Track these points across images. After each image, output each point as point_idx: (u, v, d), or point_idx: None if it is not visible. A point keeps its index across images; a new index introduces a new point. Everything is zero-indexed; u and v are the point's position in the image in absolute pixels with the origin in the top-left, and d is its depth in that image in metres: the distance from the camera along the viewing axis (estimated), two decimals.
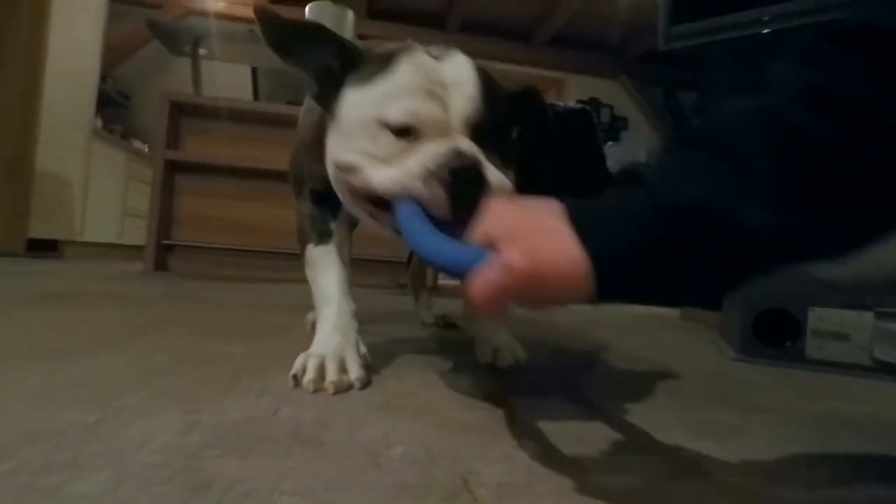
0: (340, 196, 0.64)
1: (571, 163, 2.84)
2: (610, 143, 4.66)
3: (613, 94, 5.77)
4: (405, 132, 0.55)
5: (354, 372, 0.59)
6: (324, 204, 0.74)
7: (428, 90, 0.55)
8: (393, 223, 0.54)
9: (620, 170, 0.40)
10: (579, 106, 3.05)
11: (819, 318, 1.02)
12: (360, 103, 0.58)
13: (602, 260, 0.34)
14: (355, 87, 0.59)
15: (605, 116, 5.68)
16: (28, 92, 2.98)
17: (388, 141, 0.55)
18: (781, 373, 0.96)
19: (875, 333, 0.98)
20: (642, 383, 0.76)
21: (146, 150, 4.46)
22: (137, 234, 4.04)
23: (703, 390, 0.76)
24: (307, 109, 0.78)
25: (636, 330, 1.57)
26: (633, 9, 4.63)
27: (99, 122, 3.88)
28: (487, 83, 0.58)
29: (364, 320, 0.73)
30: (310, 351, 0.61)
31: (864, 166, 0.32)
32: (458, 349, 0.91)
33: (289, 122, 2.56)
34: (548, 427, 0.51)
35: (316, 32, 0.60)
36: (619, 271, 0.35)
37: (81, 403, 0.46)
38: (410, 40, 0.64)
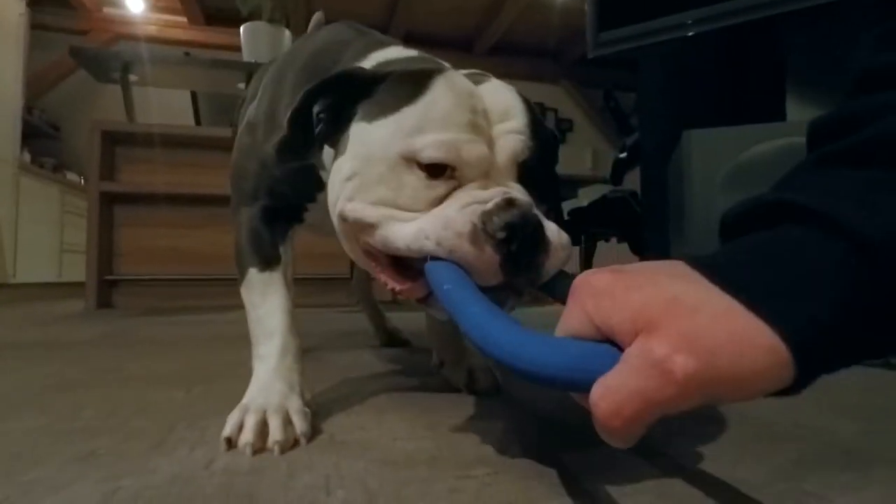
0: (351, 254, 0.52)
1: None
2: None
3: (556, 97, 5.92)
4: (440, 172, 0.43)
5: (300, 426, 0.50)
6: (275, 223, 0.63)
7: (470, 121, 0.43)
8: (418, 293, 0.44)
9: (745, 204, 0.30)
10: None
11: None
12: (379, 137, 0.45)
13: (805, 339, 0.24)
14: (371, 118, 0.46)
15: (549, 120, 5.82)
16: None
17: (418, 183, 0.43)
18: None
19: None
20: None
21: (81, 181, 4.25)
22: (77, 269, 3.83)
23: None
24: (254, 96, 0.69)
25: None
26: (566, 15, 4.79)
27: (27, 156, 3.67)
28: (534, 114, 0.48)
29: (314, 346, 0.71)
30: (246, 402, 0.52)
31: None
32: (413, 370, 0.90)
33: (229, 147, 2.50)
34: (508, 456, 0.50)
35: (309, 96, 0.48)
36: (827, 351, 0.25)
37: None
38: (412, 53, 0.58)
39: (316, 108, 0.49)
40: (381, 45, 0.60)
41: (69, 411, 0.63)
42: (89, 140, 2.37)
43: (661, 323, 0.25)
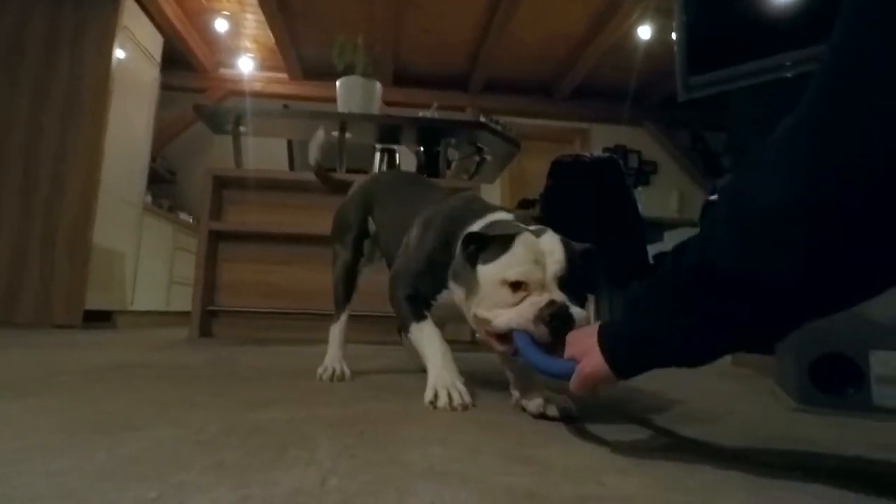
0: (478, 333, 0.89)
1: (604, 209, 2.85)
2: (639, 187, 4.65)
3: (639, 139, 5.81)
4: (518, 286, 0.81)
5: (468, 398, 0.89)
6: (420, 299, 1.02)
7: (534, 259, 0.81)
8: (511, 351, 0.81)
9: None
10: (606, 155, 3.10)
11: (883, 362, 0.97)
12: (491, 273, 0.83)
13: (615, 366, 0.62)
14: (487, 262, 0.84)
15: (632, 162, 5.70)
16: (88, 177, 3.23)
17: (508, 294, 0.81)
18: (847, 423, 0.91)
19: None
20: (702, 442, 0.73)
21: (191, 220, 4.71)
22: (182, 300, 4.21)
23: (765, 448, 0.72)
24: (363, 199, 1.33)
25: (688, 378, 1.51)
26: (648, 57, 4.74)
27: (149, 198, 4.14)
28: (569, 251, 0.84)
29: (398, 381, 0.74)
30: (432, 383, 0.91)
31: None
32: (496, 404, 0.90)
33: (320, 189, 2.69)
34: (595, 488, 0.49)
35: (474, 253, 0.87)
36: (628, 371, 0.62)
37: (143, 479, 0.48)
38: (509, 216, 0.95)
39: (461, 257, 0.90)
40: (491, 210, 0.98)
41: (196, 426, 0.70)
42: (203, 184, 2.66)
43: (583, 356, 0.66)
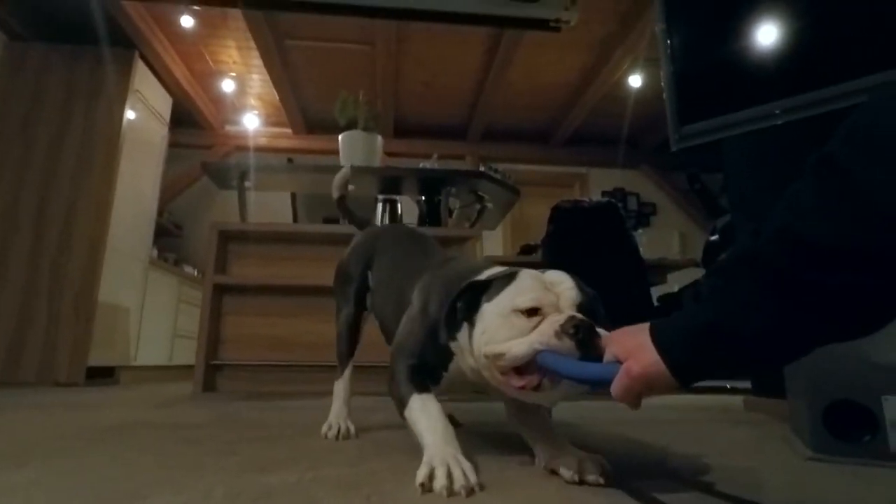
0: (491, 381, 0.80)
1: (605, 253, 2.87)
2: (640, 229, 4.69)
3: (637, 182, 5.91)
4: (533, 313, 0.74)
5: (473, 477, 0.69)
6: (424, 374, 0.93)
7: (544, 287, 0.77)
8: (534, 382, 0.72)
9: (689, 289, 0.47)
10: (605, 199, 3.16)
11: None
12: (498, 306, 0.78)
13: (673, 366, 0.54)
14: (491, 300, 0.79)
15: (632, 204, 5.78)
16: (96, 233, 3.29)
17: (522, 322, 0.74)
18: (865, 473, 0.88)
19: None
20: (719, 494, 0.72)
21: (196, 273, 4.74)
22: (186, 354, 4.18)
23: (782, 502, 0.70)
24: (361, 255, 1.32)
25: (700, 425, 1.48)
26: (642, 104, 4.89)
27: (155, 252, 4.18)
28: (579, 282, 0.80)
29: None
30: (428, 460, 0.72)
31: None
32: (520, 467, 0.88)
33: (324, 240, 2.73)
34: None
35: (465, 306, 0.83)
36: (689, 373, 0.54)
37: None
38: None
39: (459, 305, 0.83)
40: (487, 268, 0.91)
41: (202, 491, 0.69)
42: (208, 238, 2.69)
43: (630, 355, 0.59)
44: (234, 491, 0.70)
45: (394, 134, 5.46)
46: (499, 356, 0.74)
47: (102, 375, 3.32)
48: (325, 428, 1.19)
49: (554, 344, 0.69)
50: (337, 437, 1.16)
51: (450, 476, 0.67)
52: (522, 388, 0.72)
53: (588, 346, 0.68)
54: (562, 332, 0.69)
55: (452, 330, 0.83)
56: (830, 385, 1.00)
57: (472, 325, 0.81)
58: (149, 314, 3.89)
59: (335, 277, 1.39)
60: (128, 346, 3.62)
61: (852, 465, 0.94)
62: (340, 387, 1.27)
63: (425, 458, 0.72)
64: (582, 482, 0.74)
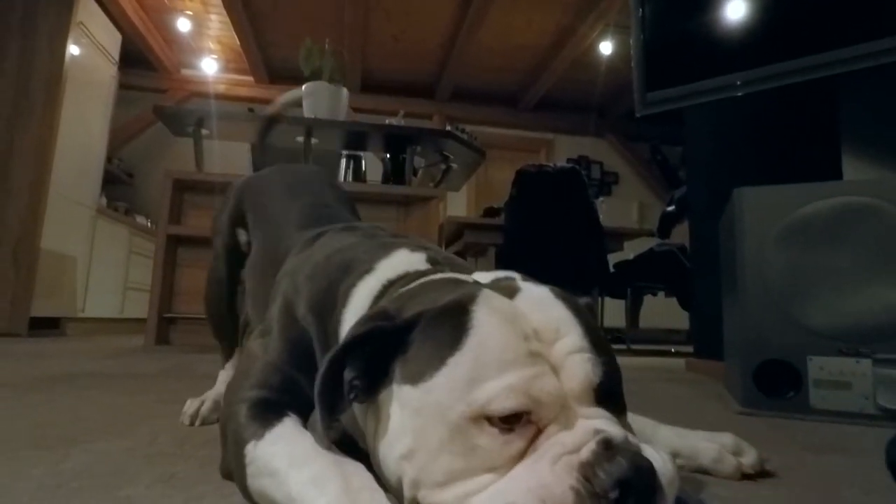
0: None
1: (566, 218, 2.92)
2: (601, 198, 4.78)
3: (602, 151, 5.98)
4: (515, 421, 0.36)
5: None
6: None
7: (528, 351, 0.37)
8: None
9: None
10: (569, 165, 3.18)
11: (819, 367, 1.02)
12: (432, 402, 0.38)
13: None
14: (414, 380, 0.39)
15: (595, 173, 5.85)
16: (37, 177, 3.09)
17: (493, 442, 0.36)
18: (785, 425, 0.96)
19: (875, 381, 0.98)
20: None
21: (149, 224, 4.56)
22: (138, 307, 4.06)
23: None
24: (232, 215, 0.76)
25: (644, 383, 1.55)
26: (611, 72, 4.90)
27: (104, 200, 3.98)
28: (587, 320, 0.41)
29: None
30: None
31: None
32: None
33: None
34: None
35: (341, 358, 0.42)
36: None
37: (86, 495, 0.47)
38: (420, 255, 0.54)
39: (347, 376, 0.42)
40: (385, 249, 0.56)
41: (147, 438, 0.68)
42: (162, 187, 2.58)
43: None
44: (179, 437, 0.69)
45: (360, 89, 5.29)
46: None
47: (47, 327, 3.19)
48: (186, 405, 0.83)
49: None
50: (193, 422, 0.79)
51: None
52: None
53: None
54: (590, 496, 0.33)
55: (333, 413, 0.43)
56: (763, 346, 1.07)
57: (376, 409, 0.43)
58: (98, 265, 3.73)
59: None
60: (74, 297, 3.48)
61: (776, 417, 1.01)
62: (224, 377, 0.97)
63: None
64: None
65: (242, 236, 0.93)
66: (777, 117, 1.76)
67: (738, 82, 1.38)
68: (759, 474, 0.59)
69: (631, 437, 0.36)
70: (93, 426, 0.74)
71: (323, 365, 0.41)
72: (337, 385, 0.41)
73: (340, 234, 0.66)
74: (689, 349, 2.24)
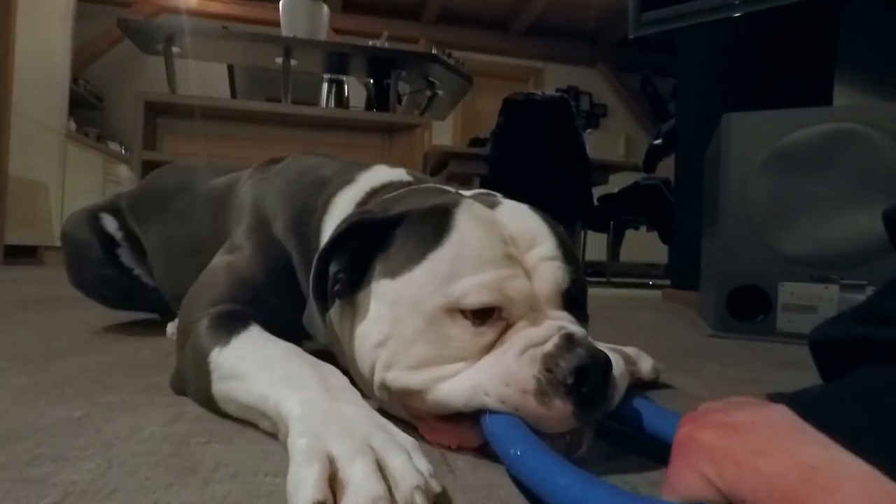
0: (394, 413, 0.43)
1: (553, 148, 2.87)
2: (589, 130, 4.70)
3: (592, 81, 5.81)
4: (486, 315, 0.39)
5: (423, 465, 0.31)
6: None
7: (504, 253, 0.40)
8: (479, 441, 0.38)
9: (834, 329, 0.34)
10: (558, 94, 3.09)
11: (789, 292, 1.06)
12: (410, 293, 0.40)
13: None
14: (394, 272, 0.41)
15: (584, 104, 5.72)
16: None
17: (465, 333, 0.39)
18: (753, 346, 1.00)
19: (841, 305, 1.02)
20: None
21: (122, 151, 4.40)
22: None
23: (678, 368, 0.79)
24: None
25: (622, 311, 1.60)
26: None
27: (73, 125, 3.80)
28: (559, 234, 0.45)
29: None
30: (317, 445, 0.30)
31: None
32: None
33: (266, 120, 2.56)
34: None
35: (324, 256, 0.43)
36: None
37: (68, 400, 0.47)
38: (433, 184, 0.52)
39: (332, 269, 0.43)
40: (363, 165, 0.57)
41: (130, 352, 0.69)
42: (133, 110, 2.45)
43: (802, 497, 0.22)
44: (162, 351, 0.70)
45: (342, 8, 4.98)
46: (410, 393, 0.40)
47: (23, 255, 3.14)
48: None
49: (530, 407, 0.36)
50: None
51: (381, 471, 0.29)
52: (448, 446, 0.41)
53: (594, 412, 0.37)
54: (550, 384, 0.36)
55: (323, 305, 0.44)
56: (738, 273, 1.09)
57: (353, 308, 0.44)
58: (72, 192, 3.62)
59: None
60: (51, 226, 3.40)
61: (744, 339, 1.06)
62: None
63: (301, 445, 0.31)
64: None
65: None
66: (772, 44, 1.71)
67: (736, 2, 1.32)
68: (655, 383, 0.64)
69: (598, 350, 0.37)
70: (74, 343, 0.75)
71: (314, 262, 0.43)
72: (325, 279, 0.44)
73: (305, 158, 0.65)
74: (667, 283, 2.30)
